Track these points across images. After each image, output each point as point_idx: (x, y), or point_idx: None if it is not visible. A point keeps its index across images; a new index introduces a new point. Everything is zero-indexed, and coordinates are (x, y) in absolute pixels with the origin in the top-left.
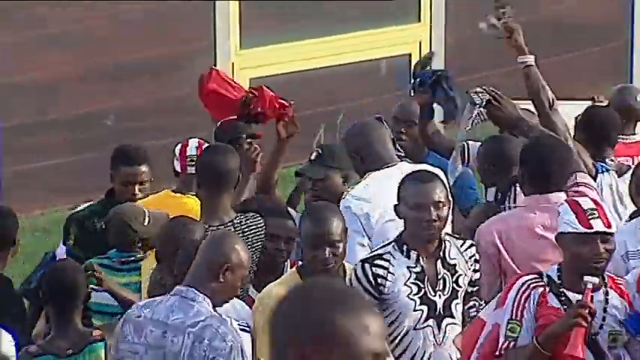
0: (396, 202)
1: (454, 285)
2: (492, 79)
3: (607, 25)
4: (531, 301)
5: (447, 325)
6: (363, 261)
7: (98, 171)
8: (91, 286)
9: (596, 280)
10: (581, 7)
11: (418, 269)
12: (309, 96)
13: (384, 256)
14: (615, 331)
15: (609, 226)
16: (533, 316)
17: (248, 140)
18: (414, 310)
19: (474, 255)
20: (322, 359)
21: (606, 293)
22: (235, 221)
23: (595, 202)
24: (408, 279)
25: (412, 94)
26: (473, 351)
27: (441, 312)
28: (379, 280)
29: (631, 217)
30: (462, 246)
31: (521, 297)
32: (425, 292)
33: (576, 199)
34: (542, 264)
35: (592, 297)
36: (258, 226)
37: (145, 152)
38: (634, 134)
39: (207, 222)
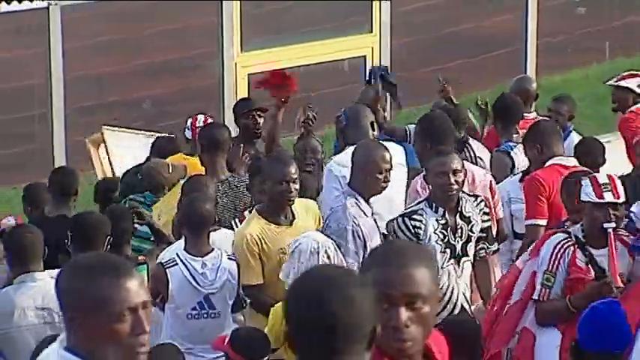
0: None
1: (469, 232)
2: (424, 74)
3: (508, 34)
4: (565, 258)
5: (463, 263)
6: (402, 216)
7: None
8: (136, 220)
9: (613, 224)
10: (490, 22)
11: (443, 221)
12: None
13: (419, 212)
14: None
15: (618, 197)
16: (564, 270)
17: (258, 113)
18: (441, 252)
19: (483, 208)
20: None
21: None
22: (230, 179)
23: (610, 177)
24: (437, 229)
25: (370, 84)
26: (510, 292)
27: (459, 253)
28: (416, 230)
29: (523, 173)
30: (474, 202)
31: (557, 253)
32: (448, 239)
33: (595, 175)
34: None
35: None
36: (244, 184)
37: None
38: (531, 112)
39: (211, 179)
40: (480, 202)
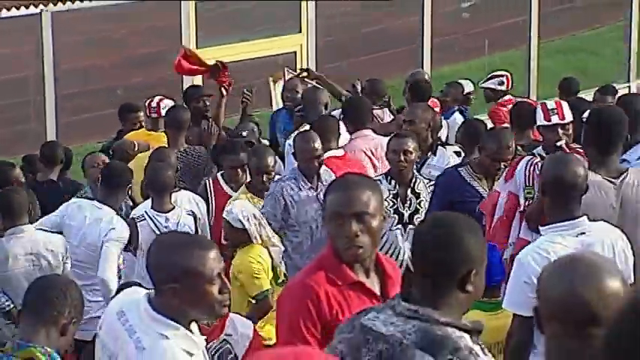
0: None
1: (417, 205)
2: (343, 68)
3: (410, 34)
4: (536, 171)
5: (410, 230)
6: None
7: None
8: None
9: (563, 141)
10: (396, 24)
11: (394, 192)
12: (236, 77)
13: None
14: None
15: (563, 119)
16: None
17: (205, 98)
18: (390, 217)
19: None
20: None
21: None
22: (188, 149)
23: (556, 102)
24: (387, 197)
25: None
26: (493, 212)
27: (407, 221)
28: None
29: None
30: (427, 183)
31: (529, 170)
32: (397, 207)
33: (545, 102)
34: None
35: None
36: (202, 153)
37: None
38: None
39: (173, 150)
40: (433, 185)
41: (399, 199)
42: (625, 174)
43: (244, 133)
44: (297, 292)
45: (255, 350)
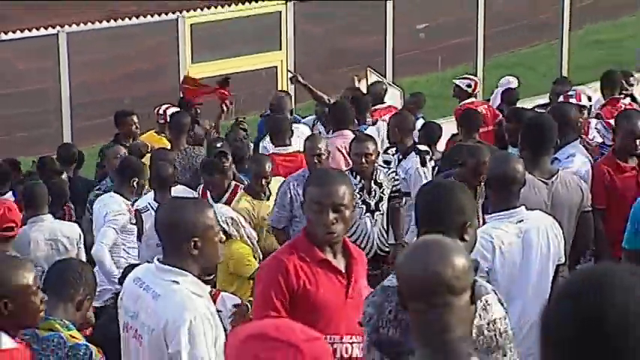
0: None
1: (381, 194)
2: (318, 79)
3: (376, 50)
4: None
5: (377, 216)
6: None
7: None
8: None
9: None
10: (364, 42)
11: (360, 185)
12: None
13: None
14: None
15: None
16: None
17: (195, 107)
18: (359, 207)
19: (393, 177)
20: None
21: None
22: (187, 150)
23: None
24: (354, 190)
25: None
26: None
27: (373, 209)
28: None
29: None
30: (387, 171)
31: None
32: (364, 198)
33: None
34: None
35: None
36: (200, 153)
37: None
38: (384, 102)
39: (175, 150)
40: (392, 172)
41: (364, 191)
42: (556, 175)
43: (219, 145)
44: (270, 266)
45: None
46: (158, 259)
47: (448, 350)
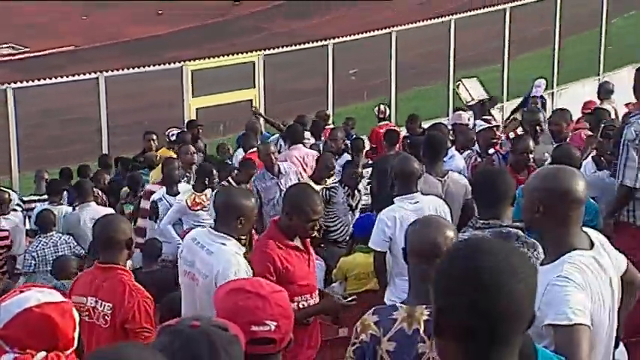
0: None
1: (359, 198)
2: (282, 109)
3: (321, 87)
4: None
5: (355, 213)
6: (324, 188)
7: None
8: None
9: None
10: (313, 81)
11: (347, 193)
12: (215, 115)
13: (334, 187)
14: None
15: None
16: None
17: (198, 127)
18: (344, 208)
19: (365, 184)
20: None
21: None
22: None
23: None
24: (342, 197)
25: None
26: None
27: (354, 208)
28: (330, 195)
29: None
30: (366, 180)
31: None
32: (349, 202)
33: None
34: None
35: None
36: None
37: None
38: (329, 123)
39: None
40: (368, 184)
41: (350, 197)
42: (447, 175)
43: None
44: (260, 257)
45: None
46: (211, 227)
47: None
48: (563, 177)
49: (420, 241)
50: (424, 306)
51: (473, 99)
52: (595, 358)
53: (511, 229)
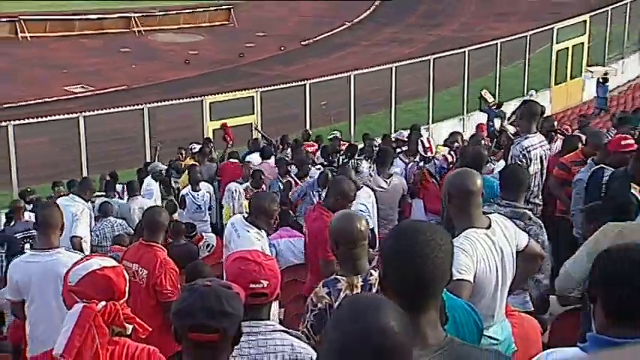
0: None
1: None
2: (272, 128)
3: (298, 114)
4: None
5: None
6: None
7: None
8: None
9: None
10: (297, 108)
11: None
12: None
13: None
14: None
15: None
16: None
17: (210, 142)
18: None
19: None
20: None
21: None
22: (207, 165)
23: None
24: None
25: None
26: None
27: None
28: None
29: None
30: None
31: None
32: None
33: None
34: None
35: None
36: (214, 168)
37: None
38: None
39: (201, 165)
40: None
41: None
42: (391, 178)
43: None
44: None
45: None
46: (243, 216)
47: (358, 268)
48: (464, 175)
49: (345, 232)
50: (358, 275)
51: (494, 101)
52: (480, 301)
53: (525, 210)
